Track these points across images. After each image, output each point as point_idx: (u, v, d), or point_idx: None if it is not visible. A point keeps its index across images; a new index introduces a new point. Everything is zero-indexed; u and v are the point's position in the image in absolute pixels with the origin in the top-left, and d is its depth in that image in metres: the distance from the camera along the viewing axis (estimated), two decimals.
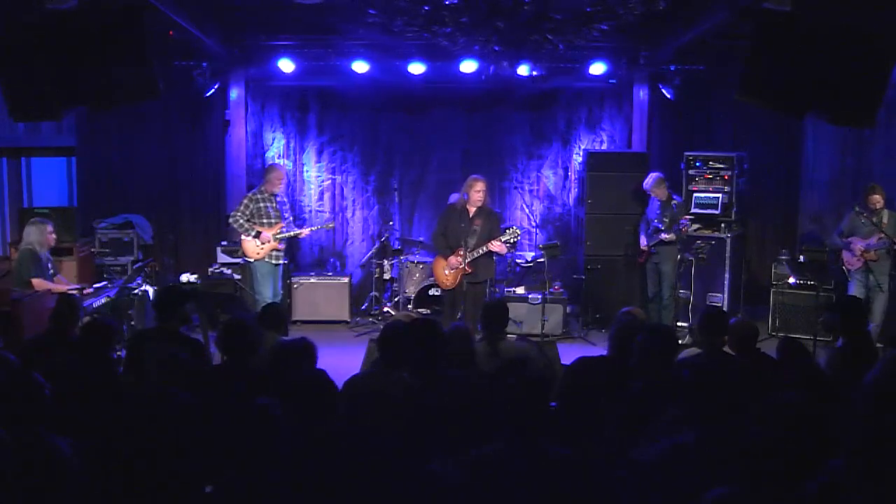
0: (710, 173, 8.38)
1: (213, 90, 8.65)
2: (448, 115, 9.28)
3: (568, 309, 8.34)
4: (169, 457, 3.09)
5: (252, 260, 7.41)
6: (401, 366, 3.88)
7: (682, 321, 8.09)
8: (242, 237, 7.45)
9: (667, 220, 7.58)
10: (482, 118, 9.30)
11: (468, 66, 8.11)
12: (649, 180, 7.79)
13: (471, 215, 6.86)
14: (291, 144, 9.33)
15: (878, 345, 7.04)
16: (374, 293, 8.85)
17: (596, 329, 8.33)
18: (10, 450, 2.79)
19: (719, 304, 8.16)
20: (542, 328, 7.59)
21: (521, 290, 8.28)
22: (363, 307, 8.90)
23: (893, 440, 2.57)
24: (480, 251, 6.79)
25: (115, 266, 8.22)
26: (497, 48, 6.63)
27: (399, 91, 9.01)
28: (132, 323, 6.80)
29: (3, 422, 2.89)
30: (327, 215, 9.34)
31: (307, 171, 9.39)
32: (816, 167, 9.09)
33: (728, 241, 8.23)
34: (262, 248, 7.36)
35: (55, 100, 4.75)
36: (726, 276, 8.26)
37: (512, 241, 7.70)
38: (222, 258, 8.55)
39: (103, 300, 6.50)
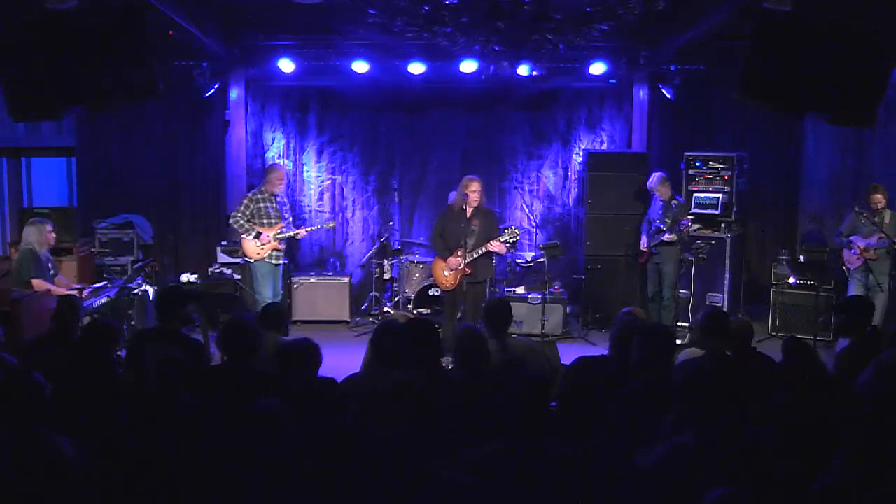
0: (710, 173, 8.38)
1: (213, 90, 8.65)
2: (448, 115, 9.28)
3: (568, 309, 8.34)
4: (169, 457, 3.09)
5: (252, 260, 7.41)
6: (396, 365, 3.88)
7: (682, 321, 8.09)
8: (242, 237, 7.45)
9: (669, 221, 7.57)
10: (482, 118, 9.30)
11: (468, 66, 8.10)
12: (653, 179, 7.79)
13: (468, 215, 6.82)
14: (291, 144, 9.33)
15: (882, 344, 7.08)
16: (374, 293, 8.85)
17: (596, 329, 8.33)
18: (12, 450, 2.79)
19: (719, 304, 8.16)
20: (542, 328, 7.59)
21: (521, 290, 8.28)
22: (363, 307, 8.90)
23: (893, 440, 2.57)
24: (479, 251, 6.78)
25: (115, 266, 8.22)
26: (497, 48, 6.64)
27: (399, 91, 9.01)
28: (132, 323, 6.80)
29: (4, 422, 2.89)
30: (327, 215, 9.33)
31: (307, 171, 9.39)
32: (816, 167, 9.09)
33: (728, 241, 8.23)
34: (262, 249, 7.36)
35: (55, 100, 4.74)
36: (726, 276, 8.26)
37: (511, 241, 7.69)
38: (222, 258, 8.55)
39: (103, 300, 6.49)
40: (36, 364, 3.73)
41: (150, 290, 7.02)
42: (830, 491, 2.57)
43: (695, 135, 9.18)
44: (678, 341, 7.54)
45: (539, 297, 7.87)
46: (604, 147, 9.27)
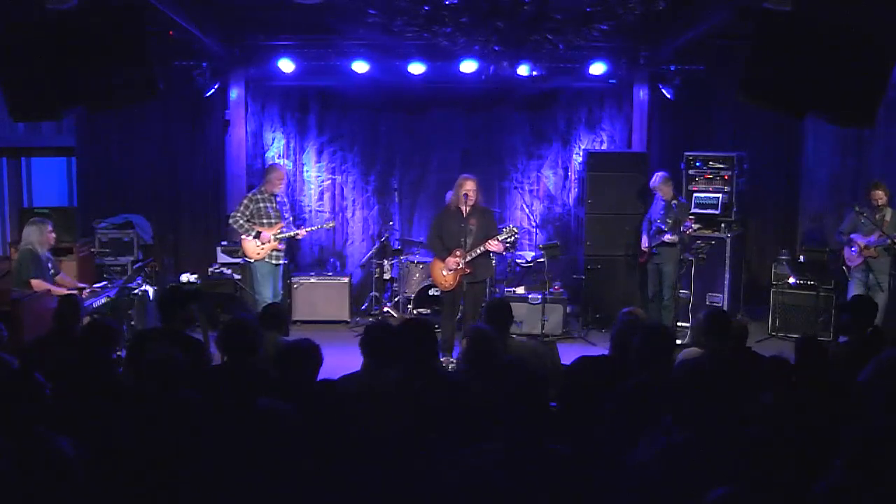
0: (710, 173, 8.38)
1: (213, 90, 8.65)
2: (448, 115, 9.28)
3: (568, 309, 8.34)
4: (169, 457, 3.09)
5: (252, 260, 7.40)
6: (389, 365, 3.88)
7: (683, 321, 8.09)
8: (242, 237, 7.45)
9: (670, 222, 7.57)
10: (482, 118, 9.30)
11: (468, 66, 8.11)
12: (656, 178, 7.79)
13: (465, 215, 6.76)
14: (291, 144, 9.33)
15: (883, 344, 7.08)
16: (374, 293, 8.85)
17: (596, 329, 8.33)
18: (12, 449, 2.79)
19: (719, 304, 8.16)
20: (542, 328, 7.59)
21: (521, 290, 8.28)
22: (363, 307, 8.90)
23: (892, 440, 2.57)
24: (478, 251, 6.75)
25: (115, 266, 8.22)
26: (497, 48, 6.63)
27: (399, 91, 9.01)
28: (132, 323, 6.80)
29: (4, 422, 2.89)
30: (327, 215, 9.34)
31: (307, 171, 9.39)
32: (816, 167, 9.09)
33: (728, 241, 8.23)
34: (262, 249, 7.36)
35: (55, 100, 4.73)
36: (726, 276, 8.25)
37: (511, 240, 7.68)
38: (222, 258, 8.55)
39: (103, 300, 6.49)
40: (37, 364, 3.73)
41: (150, 290, 7.02)
42: (831, 491, 2.57)
43: (695, 135, 9.18)
44: (678, 341, 7.56)
45: (539, 297, 7.87)
46: (604, 147, 9.27)
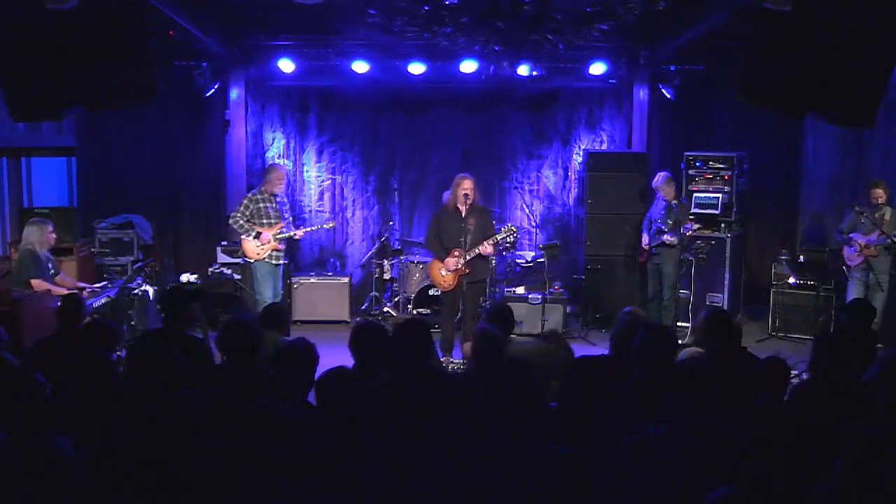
0: (710, 173, 8.39)
1: (213, 90, 8.65)
2: (448, 115, 9.28)
3: (568, 309, 8.34)
4: (169, 457, 3.09)
5: (252, 260, 7.40)
6: (379, 365, 3.88)
7: (683, 321, 8.09)
8: (242, 237, 7.45)
9: (670, 222, 7.58)
10: (482, 118, 9.30)
11: (468, 66, 8.11)
12: (659, 178, 7.79)
13: (463, 214, 6.73)
14: (291, 144, 9.33)
15: (878, 344, 7.07)
16: (374, 293, 8.85)
17: (596, 329, 8.33)
18: (13, 449, 2.79)
19: (719, 304, 8.16)
20: (542, 328, 7.59)
21: (521, 290, 8.28)
22: (363, 307, 8.90)
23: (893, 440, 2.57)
24: (477, 251, 6.72)
25: (115, 266, 8.23)
26: (497, 48, 6.63)
27: (399, 91, 9.01)
28: (132, 323, 6.80)
29: (5, 421, 2.89)
30: (327, 215, 9.34)
31: (307, 171, 9.39)
32: (816, 167, 9.09)
33: (728, 241, 8.23)
34: (262, 249, 7.36)
35: (55, 100, 4.74)
36: (726, 276, 8.26)
37: (510, 239, 7.68)
38: (222, 258, 8.55)
39: (103, 300, 6.49)
40: (40, 364, 3.74)
41: (150, 290, 7.02)
42: (832, 491, 2.58)
43: (695, 135, 9.19)
44: (679, 341, 7.56)
45: (539, 297, 7.87)
46: (604, 147, 9.27)
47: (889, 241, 6.94)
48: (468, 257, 6.67)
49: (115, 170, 9.10)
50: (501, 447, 2.93)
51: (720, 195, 8.32)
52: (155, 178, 9.13)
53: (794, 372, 6.27)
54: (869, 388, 3.53)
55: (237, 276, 8.20)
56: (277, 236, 7.40)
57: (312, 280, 8.75)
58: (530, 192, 9.44)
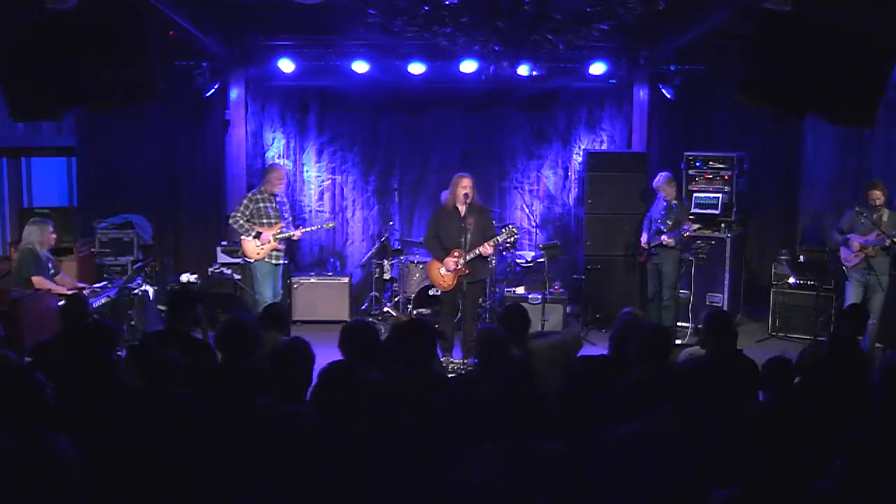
0: (710, 173, 8.39)
1: (213, 90, 8.65)
2: (448, 115, 9.28)
3: (568, 309, 8.34)
4: (169, 456, 3.09)
5: (252, 260, 7.40)
6: (368, 365, 3.88)
7: (683, 321, 8.09)
8: (242, 237, 7.45)
9: (670, 223, 7.58)
10: (482, 118, 9.30)
11: (468, 66, 8.11)
12: (660, 178, 7.79)
13: (462, 214, 6.69)
14: (291, 144, 9.33)
15: (878, 344, 7.07)
16: (374, 293, 8.85)
17: (596, 329, 8.32)
18: (13, 449, 2.79)
19: (719, 304, 8.17)
20: (542, 328, 7.58)
21: (521, 290, 8.28)
22: (363, 307, 8.90)
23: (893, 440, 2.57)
24: (477, 251, 6.69)
25: (115, 266, 8.22)
26: (497, 48, 6.62)
27: (399, 91, 9.01)
28: (132, 323, 6.79)
29: (5, 421, 2.89)
30: (327, 215, 9.33)
31: (307, 171, 9.39)
32: (816, 167, 9.09)
33: (728, 241, 8.23)
34: (262, 249, 7.35)
35: (55, 100, 4.74)
36: (726, 276, 8.26)
37: (511, 240, 7.66)
38: (222, 258, 8.55)
39: (103, 300, 6.49)
40: (42, 364, 3.74)
41: (150, 290, 7.02)
42: (832, 491, 2.58)
43: (695, 135, 9.19)
44: (678, 341, 7.57)
45: (539, 297, 7.86)
46: (604, 147, 9.27)
47: (888, 241, 6.92)
48: (468, 258, 6.64)
49: (115, 170, 9.09)
50: (503, 448, 2.92)
51: (720, 195, 8.32)
52: (155, 178, 9.13)
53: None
54: (870, 390, 3.53)
55: (237, 276, 8.20)
56: (277, 236, 7.40)
57: (312, 280, 8.75)
58: (530, 192, 9.44)
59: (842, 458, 2.62)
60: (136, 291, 6.86)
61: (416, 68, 8.34)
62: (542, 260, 7.94)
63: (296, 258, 9.29)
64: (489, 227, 6.85)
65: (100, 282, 7.12)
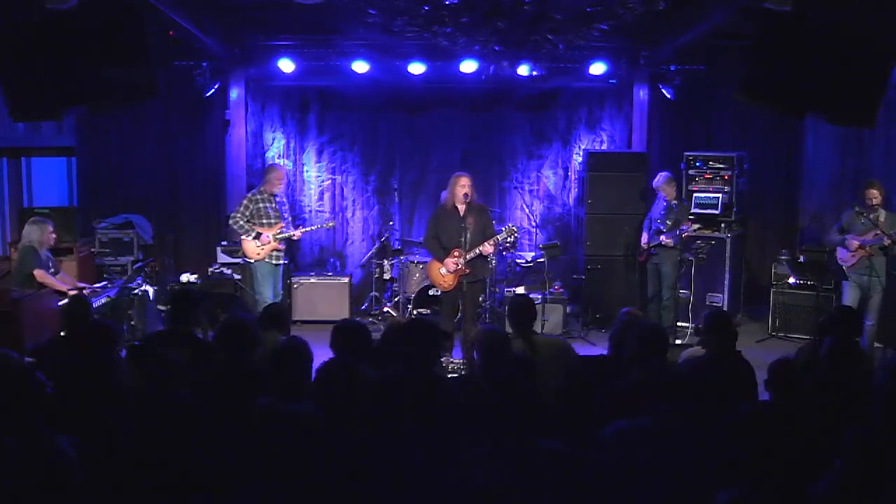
0: (710, 173, 8.39)
1: (213, 90, 8.65)
2: (448, 115, 9.28)
3: (568, 309, 8.34)
4: (169, 456, 3.09)
5: (252, 260, 7.40)
6: (358, 364, 3.88)
7: (683, 321, 8.09)
8: (242, 238, 7.45)
9: (669, 223, 7.58)
10: (482, 118, 9.31)
11: (468, 66, 8.11)
12: (660, 178, 7.79)
13: (462, 213, 6.65)
14: (291, 144, 9.33)
15: (877, 344, 7.07)
16: (374, 293, 8.85)
17: (596, 329, 8.33)
18: (14, 449, 2.79)
19: (719, 304, 8.17)
20: (542, 328, 7.58)
21: (520, 290, 8.27)
22: (363, 307, 8.90)
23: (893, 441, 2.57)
24: (477, 251, 6.68)
25: (115, 266, 8.23)
26: (497, 48, 6.62)
27: (399, 91, 9.01)
28: (132, 323, 6.80)
29: (5, 421, 2.89)
30: (327, 215, 9.34)
31: (307, 171, 9.39)
32: (816, 167, 9.09)
33: (728, 241, 8.24)
34: (262, 249, 7.35)
35: (55, 100, 4.74)
36: (726, 276, 8.26)
37: (511, 240, 7.65)
38: (222, 258, 8.55)
39: (103, 300, 6.50)
40: (43, 364, 3.74)
41: (150, 290, 7.02)
42: (832, 491, 2.58)
43: (695, 135, 9.19)
44: (678, 341, 7.57)
45: (539, 297, 7.86)
46: (604, 147, 9.27)
47: (890, 241, 6.91)
48: (468, 257, 6.63)
49: (115, 170, 9.09)
50: (503, 448, 2.92)
51: (720, 195, 8.32)
52: (155, 178, 9.13)
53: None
54: (870, 390, 3.53)
55: (237, 277, 8.20)
56: (277, 236, 7.40)
57: (312, 280, 8.75)
58: (530, 192, 9.44)
59: (842, 458, 2.62)
60: (136, 291, 6.86)
61: (416, 68, 8.34)
62: (542, 260, 7.94)
63: (296, 258, 9.29)
64: (489, 227, 6.83)
65: (100, 282, 7.12)
